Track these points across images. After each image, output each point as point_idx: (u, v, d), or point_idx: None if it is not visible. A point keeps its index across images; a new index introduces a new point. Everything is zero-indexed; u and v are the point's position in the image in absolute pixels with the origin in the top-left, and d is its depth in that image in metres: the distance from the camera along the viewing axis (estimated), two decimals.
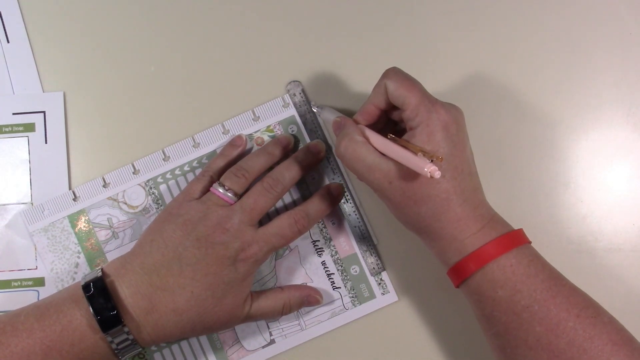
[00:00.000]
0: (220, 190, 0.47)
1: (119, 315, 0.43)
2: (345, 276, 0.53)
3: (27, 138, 0.53)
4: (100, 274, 0.44)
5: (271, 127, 0.53)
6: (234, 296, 0.46)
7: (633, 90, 0.54)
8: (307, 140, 0.53)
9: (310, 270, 0.53)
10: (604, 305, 0.52)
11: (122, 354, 0.44)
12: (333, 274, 0.53)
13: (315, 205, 0.50)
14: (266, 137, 0.53)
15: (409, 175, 0.43)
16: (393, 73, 0.45)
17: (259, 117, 0.53)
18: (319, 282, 0.53)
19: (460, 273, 0.44)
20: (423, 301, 0.53)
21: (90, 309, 0.43)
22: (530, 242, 0.44)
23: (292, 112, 0.53)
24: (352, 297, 0.52)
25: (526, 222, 0.53)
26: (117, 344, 0.43)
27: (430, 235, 0.45)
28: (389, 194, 0.44)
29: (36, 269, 0.52)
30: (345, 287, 0.53)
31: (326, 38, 0.54)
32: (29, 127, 0.53)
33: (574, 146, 0.54)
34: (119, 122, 0.54)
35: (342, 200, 0.52)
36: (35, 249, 0.52)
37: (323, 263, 0.53)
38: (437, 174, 0.40)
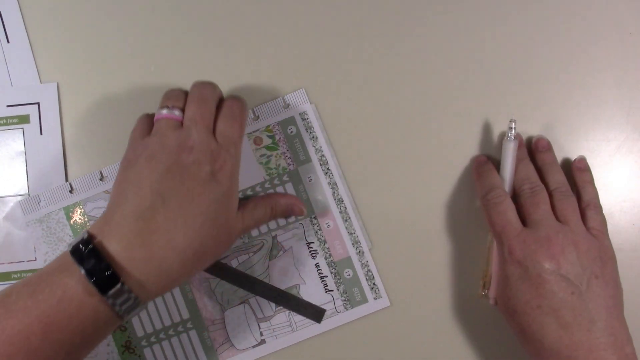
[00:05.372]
0: (165, 111, 0.45)
1: (116, 273, 0.40)
2: (338, 279, 0.52)
3: (22, 130, 0.53)
4: (86, 235, 0.41)
5: (270, 127, 0.53)
6: (226, 212, 0.44)
7: (633, 90, 0.54)
8: (307, 141, 0.53)
9: (303, 272, 0.52)
10: None
11: (126, 313, 0.41)
12: (326, 276, 0.52)
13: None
14: (265, 137, 0.53)
15: (496, 304, 0.48)
16: (484, 201, 0.50)
17: (258, 116, 0.53)
18: (312, 284, 0.52)
19: None
20: (415, 307, 0.53)
21: (83, 272, 0.39)
22: None
23: (292, 112, 0.53)
24: (345, 300, 0.52)
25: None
26: (120, 305, 0.40)
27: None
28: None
29: (35, 260, 0.52)
30: (338, 290, 0.52)
31: (327, 37, 0.54)
32: (24, 119, 0.53)
33: (574, 146, 0.53)
34: (116, 116, 0.54)
35: (337, 202, 0.52)
36: (32, 239, 0.52)
37: (317, 265, 0.52)
38: None
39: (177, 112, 0.45)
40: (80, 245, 0.40)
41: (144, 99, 0.54)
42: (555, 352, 0.43)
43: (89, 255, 0.40)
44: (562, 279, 0.44)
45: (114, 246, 0.40)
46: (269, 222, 0.52)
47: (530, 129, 0.53)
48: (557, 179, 0.50)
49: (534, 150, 0.52)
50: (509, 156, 0.51)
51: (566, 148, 0.53)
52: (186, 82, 0.53)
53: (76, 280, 0.40)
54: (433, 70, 0.54)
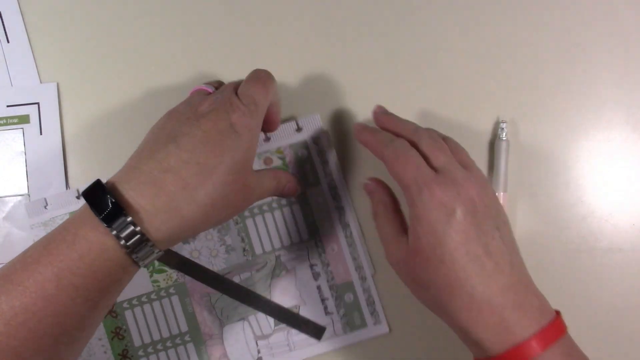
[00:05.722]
0: (199, 86, 0.46)
1: (119, 205, 0.39)
2: (339, 303, 0.52)
3: (22, 130, 0.53)
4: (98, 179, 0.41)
5: (281, 149, 0.52)
6: (244, 164, 0.43)
7: (633, 90, 0.54)
8: (318, 165, 0.52)
9: (304, 293, 0.52)
10: (604, 305, 0.52)
11: (139, 256, 0.40)
12: (327, 299, 0.52)
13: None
14: (275, 158, 0.52)
15: (410, 258, 0.42)
16: (393, 147, 0.44)
17: (269, 138, 0.52)
18: (312, 305, 0.52)
19: None
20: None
21: (89, 208, 0.39)
22: (561, 335, 0.40)
23: (304, 136, 0.52)
24: (344, 324, 0.52)
25: (527, 223, 0.53)
26: (129, 242, 0.39)
27: (447, 322, 0.43)
28: (398, 273, 0.44)
29: None
30: (338, 313, 0.52)
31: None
32: (24, 119, 0.53)
33: (574, 146, 0.53)
34: (116, 116, 0.53)
35: (343, 227, 0.52)
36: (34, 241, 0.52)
37: (318, 287, 0.52)
38: None
39: (210, 88, 0.46)
40: (92, 186, 0.40)
41: (144, 99, 0.54)
42: (487, 301, 0.40)
43: (97, 192, 0.39)
44: (483, 221, 0.41)
45: (124, 185, 0.40)
46: (271, 235, 0.52)
47: (530, 129, 0.53)
48: (419, 126, 0.47)
49: (376, 121, 0.49)
50: (502, 156, 0.52)
51: (566, 148, 0.53)
52: (187, 84, 0.53)
53: (85, 220, 0.39)
54: (431, 68, 0.54)
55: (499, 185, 0.52)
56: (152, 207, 0.39)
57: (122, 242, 0.39)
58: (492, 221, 0.42)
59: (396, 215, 0.46)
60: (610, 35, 0.54)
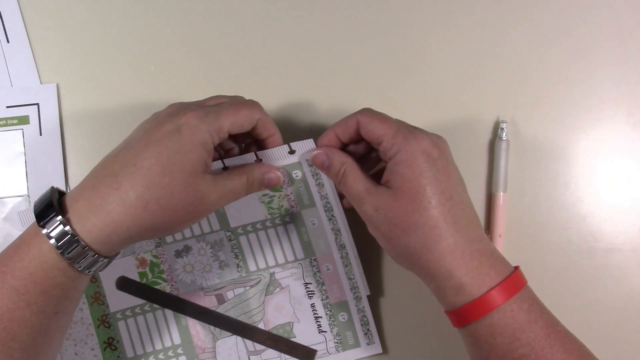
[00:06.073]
0: None
1: (54, 206, 0.40)
2: (333, 321, 0.52)
3: (21, 131, 0.52)
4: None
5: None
6: (184, 165, 0.41)
7: (633, 90, 0.54)
8: (313, 187, 0.51)
9: (298, 310, 0.52)
10: (604, 305, 0.52)
11: (79, 261, 0.40)
12: (321, 317, 0.52)
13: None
14: None
15: (395, 202, 0.42)
16: (367, 110, 0.45)
17: (261, 159, 0.49)
18: (306, 323, 0.52)
19: (461, 319, 0.42)
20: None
21: (33, 211, 0.41)
22: (526, 282, 0.43)
23: (297, 159, 0.50)
24: (337, 342, 0.52)
25: (526, 222, 0.53)
26: (59, 241, 0.39)
27: (425, 271, 0.43)
28: (376, 222, 0.43)
29: None
30: (332, 332, 0.52)
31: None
32: (23, 120, 0.53)
33: (574, 146, 0.54)
34: (116, 116, 0.54)
35: (339, 248, 0.52)
36: None
37: (312, 306, 0.52)
38: None
39: None
40: (44, 193, 0.42)
41: (144, 99, 0.54)
42: (468, 245, 0.42)
43: (43, 198, 0.41)
44: (455, 175, 0.44)
45: (73, 190, 0.42)
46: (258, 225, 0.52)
47: (530, 129, 0.53)
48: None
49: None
50: (502, 156, 0.52)
51: (566, 148, 0.53)
52: (186, 84, 0.53)
53: (33, 226, 0.41)
54: (429, 68, 0.54)
55: (499, 185, 0.52)
56: (86, 210, 0.40)
57: (53, 241, 0.39)
58: (460, 177, 0.44)
59: (363, 171, 0.46)
60: (610, 35, 0.54)
